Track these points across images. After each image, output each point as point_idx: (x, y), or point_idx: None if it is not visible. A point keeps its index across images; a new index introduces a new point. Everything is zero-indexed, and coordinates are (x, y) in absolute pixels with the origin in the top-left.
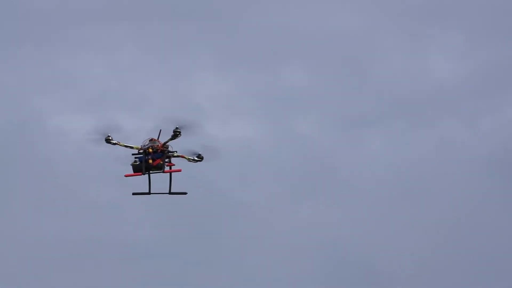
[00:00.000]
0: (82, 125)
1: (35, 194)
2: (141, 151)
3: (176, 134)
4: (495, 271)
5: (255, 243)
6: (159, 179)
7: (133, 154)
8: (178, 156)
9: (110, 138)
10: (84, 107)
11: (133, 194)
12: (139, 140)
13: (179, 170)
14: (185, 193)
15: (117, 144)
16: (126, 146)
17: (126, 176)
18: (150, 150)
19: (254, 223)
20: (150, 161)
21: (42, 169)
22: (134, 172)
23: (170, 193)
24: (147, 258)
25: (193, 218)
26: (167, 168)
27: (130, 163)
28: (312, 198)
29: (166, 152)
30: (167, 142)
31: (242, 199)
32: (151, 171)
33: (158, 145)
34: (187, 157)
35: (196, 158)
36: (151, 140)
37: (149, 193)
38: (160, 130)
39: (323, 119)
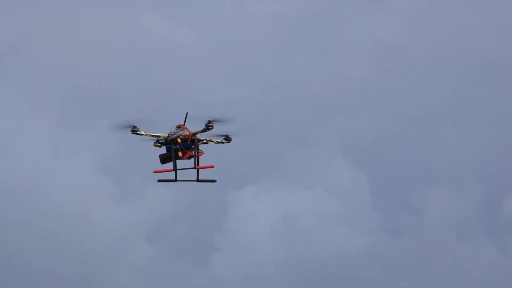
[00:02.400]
0: None
1: None
2: (168, 139)
3: (208, 128)
4: None
5: None
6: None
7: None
8: (206, 142)
9: (137, 128)
10: None
11: (159, 181)
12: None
13: (212, 166)
14: (214, 181)
15: (144, 134)
16: (152, 136)
17: (155, 172)
18: (179, 140)
19: None
20: (180, 153)
21: None
22: (162, 163)
23: (198, 180)
24: None
25: None
26: (196, 161)
27: (153, 143)
28: None
29: (196, 141)
30: (197, 133)
31: None
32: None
33: (187, 134)
34: (215, 140)
35: (223, 141)
36: (178, 127)
37: (175, 180)
38: (187, 114)
39: None
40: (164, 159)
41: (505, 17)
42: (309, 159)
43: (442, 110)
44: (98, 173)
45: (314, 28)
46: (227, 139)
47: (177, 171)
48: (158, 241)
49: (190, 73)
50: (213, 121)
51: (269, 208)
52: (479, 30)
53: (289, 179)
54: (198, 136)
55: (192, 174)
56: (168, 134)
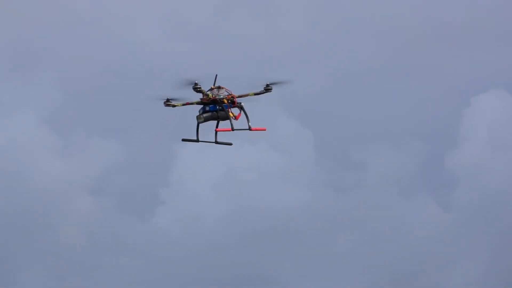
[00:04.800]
0: None
1: None
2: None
3: (267, 90)
4: None
5: None
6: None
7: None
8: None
9: (198, 86)
10: None
11: (183, 140)
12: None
13: (264, 129)
14: (230, 144)
15: (202, 92)
16: (197, 103)
17: (217, 130)
18: (225, 101)
19: None
20: (231, 114)
21: None
22: (202, 122)
23: (216, 142)
24: None
25: None
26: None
27: (164, 102)
28: None
29: (240, 105)
30: (251, 95)
31: None
32: (236, 129)
33: (229, 95)
34: (251, 93)
35: (265, 89)
36: (218, 88)
37: (197, 140)
38: (216, 75)
39: None
40: (207, 118)
41: None
42: (253, 114)
43: (386, 67)
44: (41, 126)
45: None
46: (268, 87)
47: (198, 130)
48: (102, 194)
49: (131, 28)
50: (272, 84)
51: (213, 162)
52: None
53: (233, 133)
54: (239, 100)
55: (211, 135)
56: (212, 94)
